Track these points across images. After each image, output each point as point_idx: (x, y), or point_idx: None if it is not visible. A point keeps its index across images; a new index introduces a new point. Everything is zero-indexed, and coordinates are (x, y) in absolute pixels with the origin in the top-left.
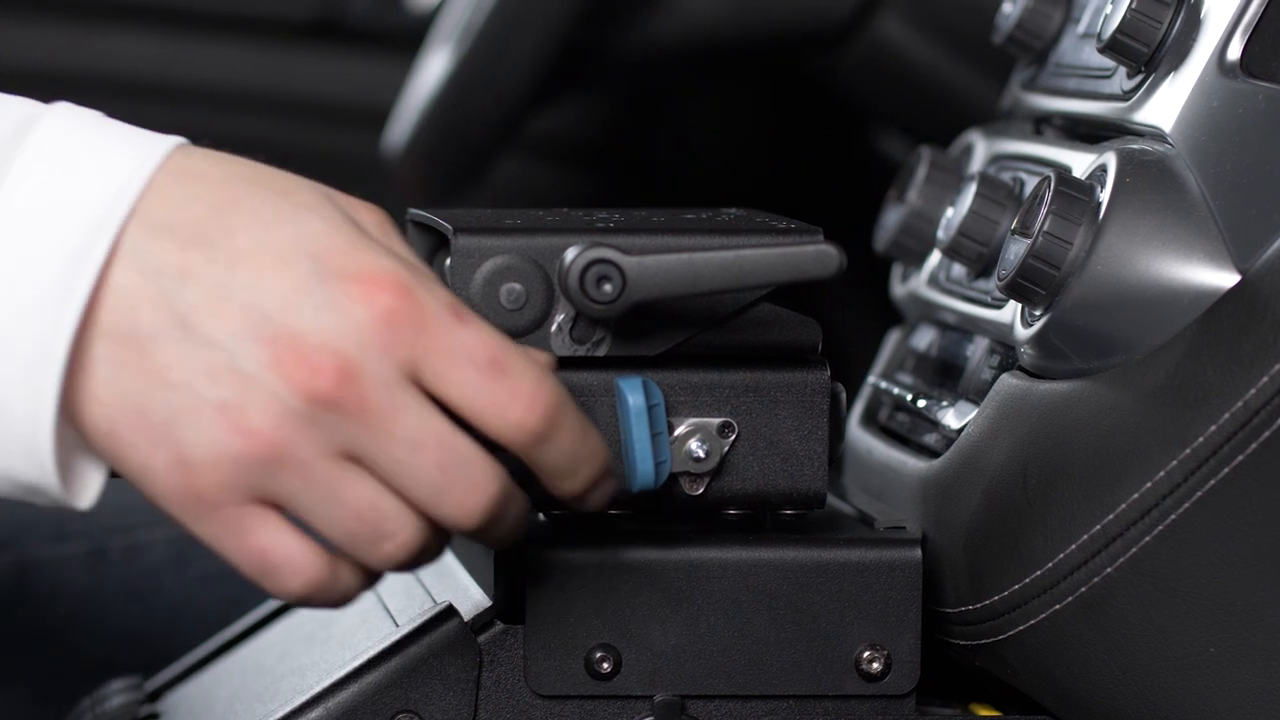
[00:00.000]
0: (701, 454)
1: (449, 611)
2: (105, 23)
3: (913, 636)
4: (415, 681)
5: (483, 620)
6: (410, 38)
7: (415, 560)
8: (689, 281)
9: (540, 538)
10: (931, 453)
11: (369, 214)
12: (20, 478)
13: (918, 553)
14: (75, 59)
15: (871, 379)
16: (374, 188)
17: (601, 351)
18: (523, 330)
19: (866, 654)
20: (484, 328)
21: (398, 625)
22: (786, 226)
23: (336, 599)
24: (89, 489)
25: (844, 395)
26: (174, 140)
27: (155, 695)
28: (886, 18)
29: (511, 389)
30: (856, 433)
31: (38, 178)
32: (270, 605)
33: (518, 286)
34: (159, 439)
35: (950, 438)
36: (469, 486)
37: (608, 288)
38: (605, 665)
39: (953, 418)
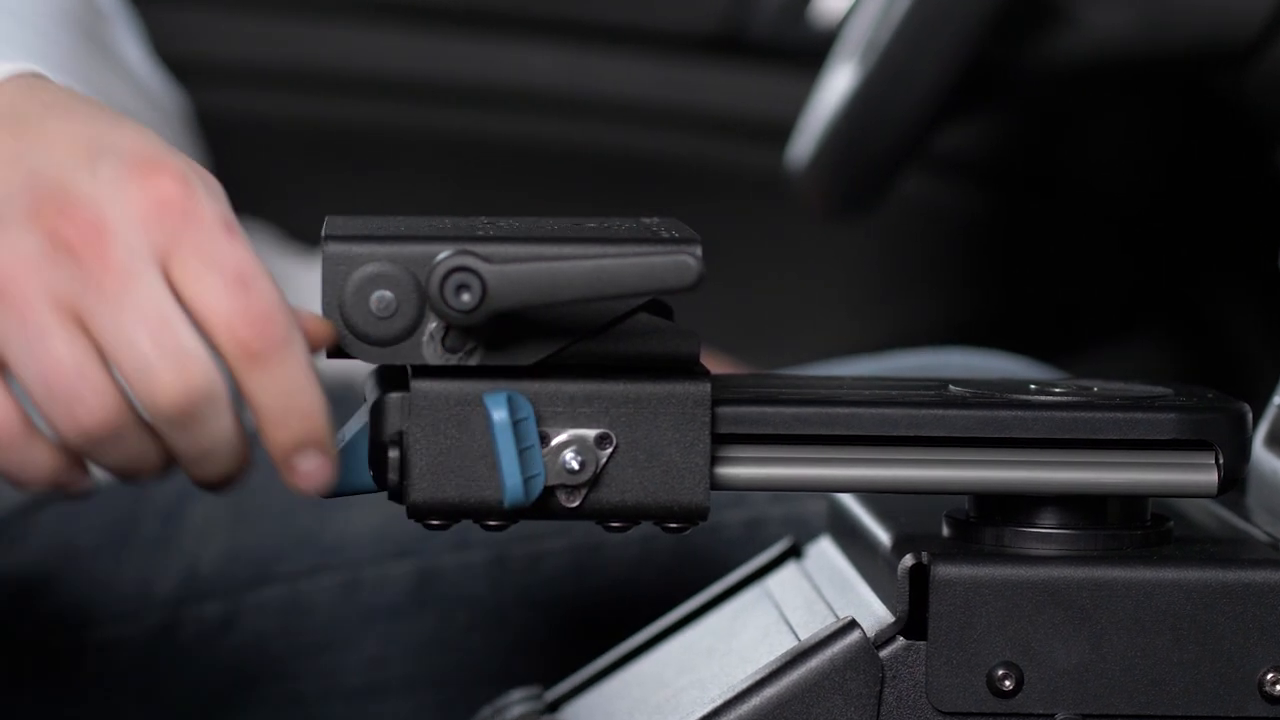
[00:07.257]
0: (576, 466)
1: (851, 626)
2: (511, 35)
3: None
4: (817, 696)
5: (885, 635)
6: (813, 52)
7: (108, 442)
8: (548, 290)
9: (944, 554)
10: None
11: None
12: None
13: None
14: (481, 71)
15: (1277, 400)
16: (778, 203)
17: (474, 361)
18: (395, 338)
19: (1270, 676)
20: (247, 250)
21: (799, 639)
22: (669, 236)
23: (28, 475)
24: None
25: (1249, 415)
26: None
27: (555, 706)
28: None
29: (246, 307)
30: (1261, 454)
31: None
32: (671, 618)
33: (388, 294)
34: None
35: None
36: (178, 371)
37: (466, 297)
38: (1008, 683)
39: None
